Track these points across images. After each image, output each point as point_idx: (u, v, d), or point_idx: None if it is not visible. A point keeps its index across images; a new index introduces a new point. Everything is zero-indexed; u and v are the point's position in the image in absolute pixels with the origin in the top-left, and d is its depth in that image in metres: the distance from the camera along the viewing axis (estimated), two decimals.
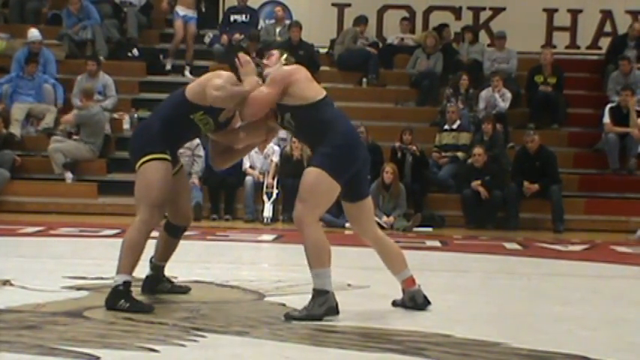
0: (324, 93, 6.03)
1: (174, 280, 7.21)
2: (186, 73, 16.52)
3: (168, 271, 7.60)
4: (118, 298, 5.95)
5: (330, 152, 5.79)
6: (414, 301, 6.21)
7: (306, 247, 5.77)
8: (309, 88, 5.97)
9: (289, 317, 5.73)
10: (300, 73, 6.01)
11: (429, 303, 6.23)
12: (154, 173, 6.07)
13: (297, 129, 6.06)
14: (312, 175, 5.79)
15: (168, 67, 16.72)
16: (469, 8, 18.08)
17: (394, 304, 6.32)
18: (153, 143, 6.14)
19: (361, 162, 5.97)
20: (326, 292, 5.73)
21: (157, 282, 6.66)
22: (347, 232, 12.12)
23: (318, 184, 5.76)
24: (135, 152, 6.23)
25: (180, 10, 16.85)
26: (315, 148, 6.02)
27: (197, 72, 16.62)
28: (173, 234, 6.63)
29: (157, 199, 6.06)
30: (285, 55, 6.25)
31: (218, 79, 6.13)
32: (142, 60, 16.82)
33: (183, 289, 6.76)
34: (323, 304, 5.71)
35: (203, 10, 17.49)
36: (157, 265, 6.67)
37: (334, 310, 5.76)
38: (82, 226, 11.65)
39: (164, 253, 6.63)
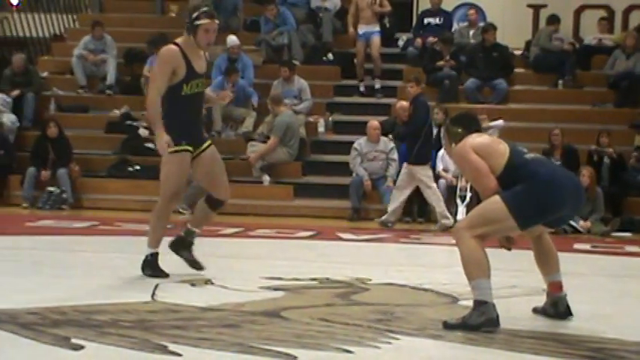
0: (506, 155, 5.69)
1: (368, 281, 7.30)
2: (376, 86, 16.47)
3: (365, 273, 7.69)
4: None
5: (523, 196, 5.56)
6: (556, 307, 5.97)
7: (462, 259, 5.66)
8: (490, 160, 5.69)
9: (447, 326, 5.58)
10: (473, 148, 5.73)
11: (570, 314, 5.96)
12: None
13: None
14: (491, 200, 5.61)
15: (362, 89, 16.54)
16: None
17: (535, 310, 6.12)
18: None
19: (567, 209, 5.71)
20: (485, 303, 5.54)
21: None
22: None
23: (489, 208, 5.62)
24: None
25: (361, 29, 16.43)
26: None
27: (387, 75, 16.69)
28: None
29: None
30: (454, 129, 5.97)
31: None
32: (337, 64, 17.02)
33: (199, 266, 7.43)
34: (482, 315, 5.52)
35: (387, 25, 16.97)
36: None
37: (494, 322, 5.51)
38: (278, 228, 11.87)
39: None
